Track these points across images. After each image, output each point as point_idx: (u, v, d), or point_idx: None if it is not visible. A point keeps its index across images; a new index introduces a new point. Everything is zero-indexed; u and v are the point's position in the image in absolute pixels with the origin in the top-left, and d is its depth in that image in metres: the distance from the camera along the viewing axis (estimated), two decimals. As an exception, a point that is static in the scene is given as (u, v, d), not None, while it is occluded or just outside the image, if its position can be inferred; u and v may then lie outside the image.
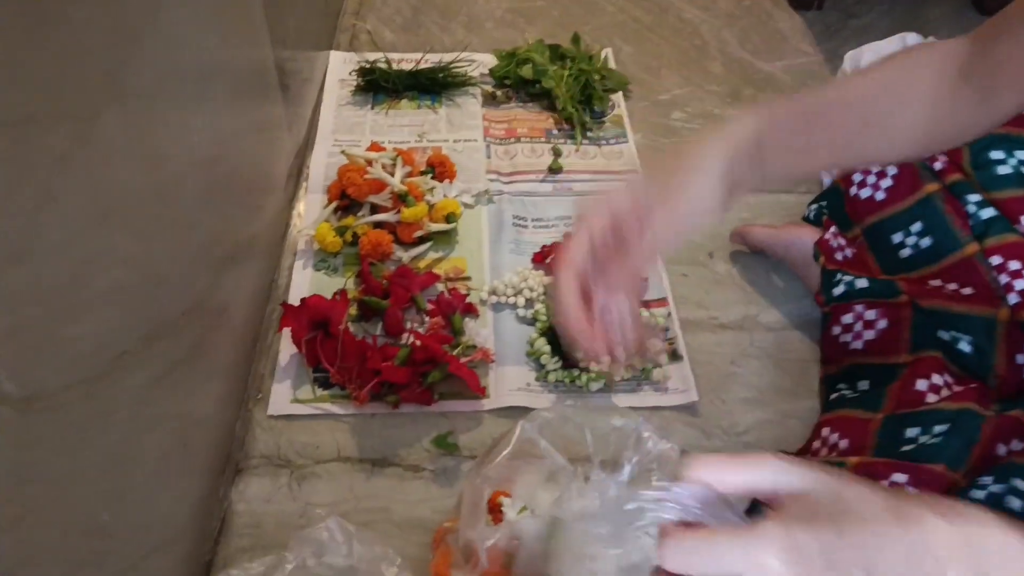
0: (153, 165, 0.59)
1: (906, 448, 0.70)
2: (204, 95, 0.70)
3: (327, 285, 0.90)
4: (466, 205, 1.00)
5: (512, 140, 1.11)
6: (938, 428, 0.69)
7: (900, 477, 0.66)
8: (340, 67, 1.20)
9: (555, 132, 1.12)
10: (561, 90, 1.13)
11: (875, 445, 0.72)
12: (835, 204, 0.93)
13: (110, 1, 0.51)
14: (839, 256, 0.89)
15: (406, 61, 1.19)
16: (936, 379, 0.76)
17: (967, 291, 0.80)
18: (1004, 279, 0.76)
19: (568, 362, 0.83)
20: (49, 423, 0.46)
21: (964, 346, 0.77)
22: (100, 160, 0.50)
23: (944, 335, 0.78)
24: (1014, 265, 0.76)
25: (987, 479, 0.62)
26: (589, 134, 1.12)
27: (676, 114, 1.17)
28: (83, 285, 0.49)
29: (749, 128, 0.59)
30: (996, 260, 0.77)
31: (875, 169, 0.89)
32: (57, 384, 0.46)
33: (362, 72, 1.15)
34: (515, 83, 1.17)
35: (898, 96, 0.61)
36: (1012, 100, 0.59)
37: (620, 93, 1.19)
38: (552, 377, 0.83)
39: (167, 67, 0.61)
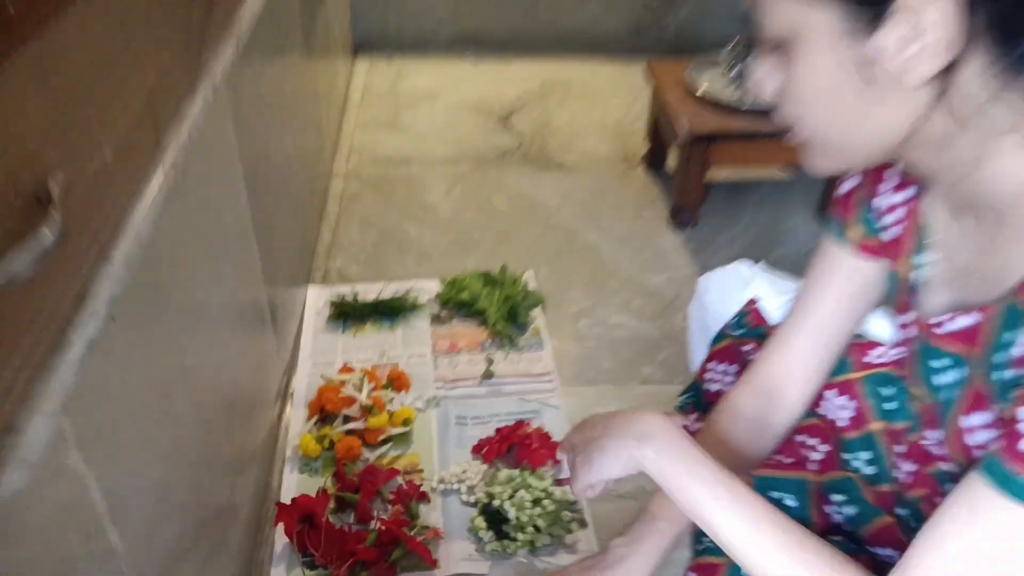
0: (169, 416, 0.85)
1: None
2: (215, 341, 0.97)
3: (310, 484, 1.15)
4: (419, 409, 1.28)
5: (455, 352, 1.41)
6: None
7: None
8: (317, 298, 1.51)
9: (488, 343, 1.43)
10: (492, 310, 1.45)
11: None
12: (696, 396, 1.21)
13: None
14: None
15: (370, 292, 1.51)
16: None
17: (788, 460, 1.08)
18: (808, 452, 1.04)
19: (500, 535, 1.08)
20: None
21: (789, 502, 1.04)
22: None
23: (773, 495, 1.05)
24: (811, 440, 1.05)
25: None
26: (514, 344, 1.42)
27: (583, 322, 1.50)
28: None
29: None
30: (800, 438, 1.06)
31: (722, 364, 1.18)
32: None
33: (334, 305, 1.46)
34: (455, 305, 1.49)
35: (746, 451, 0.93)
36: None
37: (539, 308, 1.51)
38: (488, 548, 1.07)
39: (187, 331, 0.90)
